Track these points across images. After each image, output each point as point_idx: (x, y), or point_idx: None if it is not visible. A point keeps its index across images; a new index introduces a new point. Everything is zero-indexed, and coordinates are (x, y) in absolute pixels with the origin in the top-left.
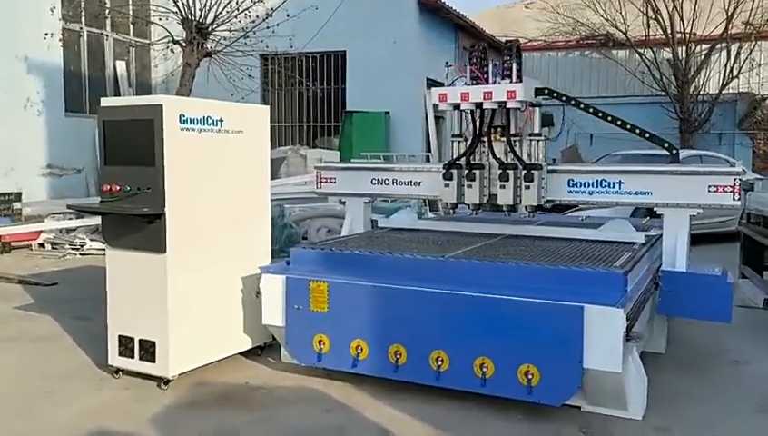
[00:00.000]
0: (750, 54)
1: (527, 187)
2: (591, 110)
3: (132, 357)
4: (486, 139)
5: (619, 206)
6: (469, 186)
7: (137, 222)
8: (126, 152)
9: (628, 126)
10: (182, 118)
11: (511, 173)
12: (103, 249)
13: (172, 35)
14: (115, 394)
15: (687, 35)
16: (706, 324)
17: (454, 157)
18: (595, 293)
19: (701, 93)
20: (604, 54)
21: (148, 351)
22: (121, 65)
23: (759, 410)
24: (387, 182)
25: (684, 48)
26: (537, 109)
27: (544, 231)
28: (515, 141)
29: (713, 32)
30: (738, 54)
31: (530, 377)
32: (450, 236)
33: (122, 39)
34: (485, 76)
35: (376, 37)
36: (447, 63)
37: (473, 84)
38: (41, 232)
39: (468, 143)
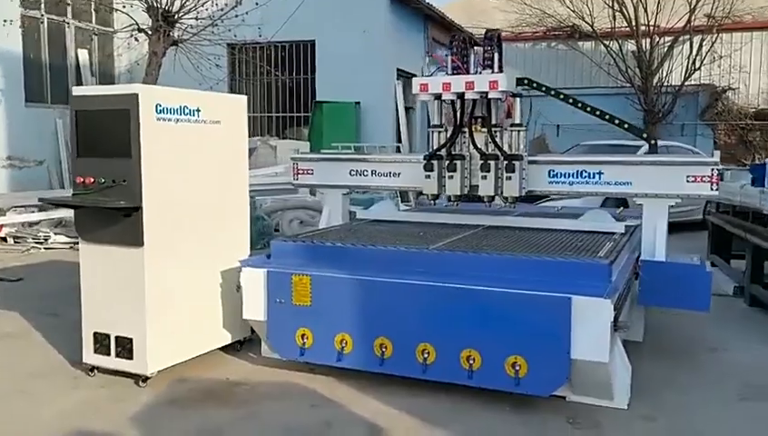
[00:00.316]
0: (712, 46)
1: (509, 178)
2: (571, 100)
3: (109, 354)
4: (466, 130)
5: (589, 196)
6: (450, 177)
7: (113, 215)
8: (100, 143)
9: (607, 117)
10: (159, 108)
11: (492, 163)
12: (69, 242)
13: (137, 23)
14: (92, 393)
15: (651, 28)
16: (680, 312)
17: (434, 148)
18: (583, 284)
19: (664, 84)
20: (570, 45)
21: (125, 347)
22: (83, 54)
23: (741, 398)
24: (365, 173)
25: (649, 40)
26: (518, 99)
27: (524, 221)
28: (495, 131)
29: (676, 24)
30: (700, 46)
31: (518, 368)
32: (430, 227)
33: (84, 27)
34: (465, 66)
35: (346, 27)
36: (427, 52)
37: (454, 75)
38: (2, 225)
39: (449, 133)
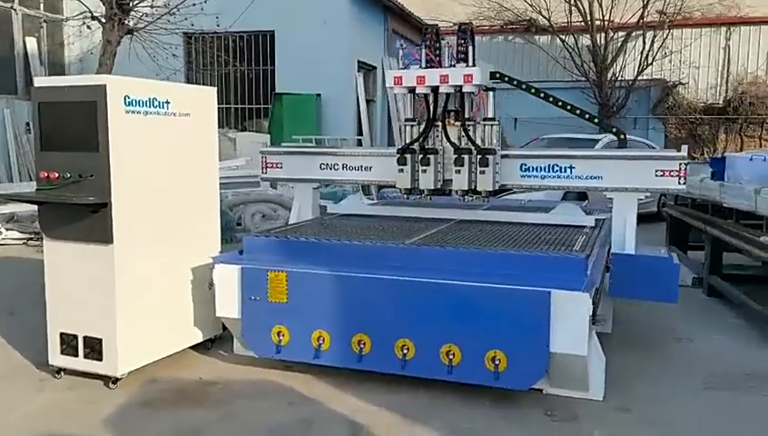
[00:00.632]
0: (663, 42)
1: (482, 172)
2: (542, 95)
3: (76, 355)
4: (440, 123)
5: (549, 190)
6: (423, 171)
7: (80, 211)
8: (65, 136)
9: (578, 112)
10: (127, 100)
11: (466, 157)
12: (22, 239)
13: (90, 10)
14: (60, 395)
15: (605, 23)
16: (644, 304)
17: (407, 142)
18: (561, 278)
19: (618, 79)
20: (527, 39)
21: (94, 348)
22: (31, 42)
23: (706, 387)
24: (336, 167)
25: (603, 35)
26: (491, 93)
27: (495, 215)
28: (469, 125)
29: (629, 20)
30: (653, 41)
31: (497, 363)
32: (402, 222)
33: (32, 14)
34: (438, 59)
35: (305, 18)
36: (401, 44)
37: (428, 68)
38: None
39: (422, 127)
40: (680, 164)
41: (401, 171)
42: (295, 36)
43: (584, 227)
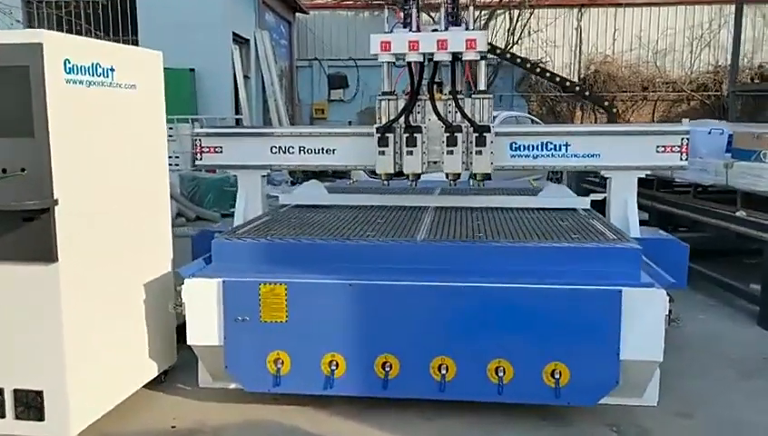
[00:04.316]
0: (527, 21)
1: (479, 152)
2: (529, 65)
3: (3, 416)
4: (425, 97)
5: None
6: (410, 153)
7: (5, 219)
8: None
9: (567, 83)
10: (68, 66)
11: (459, 136)
12: None
13: None
14: None
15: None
16: None
17: (389, 119)
18: (628, 273)
19: (486, 56)
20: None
21: (30, 405)
22: None
23: (741, 377)
24: (292, 150)
25: (471, 11)
26: (483, 63)
27: (478, 201)
28: (459, 99)
29: None
30: (517, 20)
31: (558, 377)
32: (376, 212)
33: None
34: (417, 23)
35: None
36: (386, 4)
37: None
38: None
39: (405, 102)
40: (682, 139)
41: (382, 153)
42: (161, 3)
43: (576, 210)
